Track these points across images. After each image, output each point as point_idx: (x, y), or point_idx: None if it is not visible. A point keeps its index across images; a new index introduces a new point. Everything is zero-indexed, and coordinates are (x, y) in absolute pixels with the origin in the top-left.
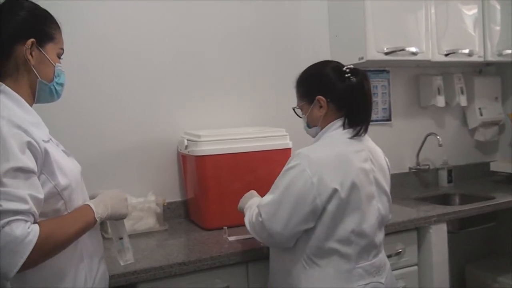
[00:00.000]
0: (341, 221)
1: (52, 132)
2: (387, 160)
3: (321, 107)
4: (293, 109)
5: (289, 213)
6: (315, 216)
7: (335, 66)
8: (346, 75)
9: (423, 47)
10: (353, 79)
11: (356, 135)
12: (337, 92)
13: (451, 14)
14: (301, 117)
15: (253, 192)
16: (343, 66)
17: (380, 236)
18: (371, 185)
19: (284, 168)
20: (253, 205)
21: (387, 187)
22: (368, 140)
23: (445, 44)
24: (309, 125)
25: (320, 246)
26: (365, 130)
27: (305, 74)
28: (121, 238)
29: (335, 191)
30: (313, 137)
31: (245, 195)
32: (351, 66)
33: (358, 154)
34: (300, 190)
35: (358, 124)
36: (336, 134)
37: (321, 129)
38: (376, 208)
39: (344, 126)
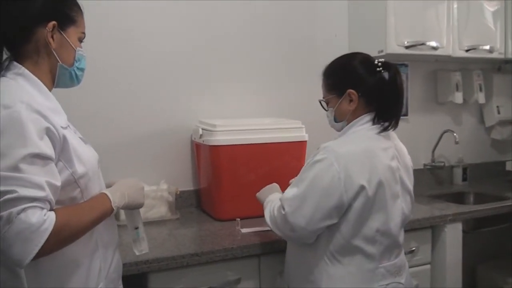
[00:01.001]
0: (367, 219)
1: (68, 119)
2: (410, 159)
3: (351, 101)
4: (320, 102)
5: (314, 207)
6: (339, 212)
7: (365, 59)
8: (378, 69)
9: (444, 42)
10: (385, 73)
11: (384, 130)
12: (368, 87)
13: (473, 9)
14: (326, 110)
15: (276, 185)
16: (374, 59)
17: (402, 236)
18: (397, 184)
19: (310, 161)
20: (275, 199)
21: (411, 186)
22: (395, 138)
23: (466, 40)
24: (336, 119)
25: (345, 244)
26: (395, 126)
27: (334, 67)
28: (136, 228)
29: (362, 188)
30: (338, 131)
31: (267, 186)
32: (382, 59)
33: (385, 151)
34: (327, 184)
35: (388, 119)
36: (363, 130)
37: (347, 123)
38: (401, 207)
39: (373, 121)
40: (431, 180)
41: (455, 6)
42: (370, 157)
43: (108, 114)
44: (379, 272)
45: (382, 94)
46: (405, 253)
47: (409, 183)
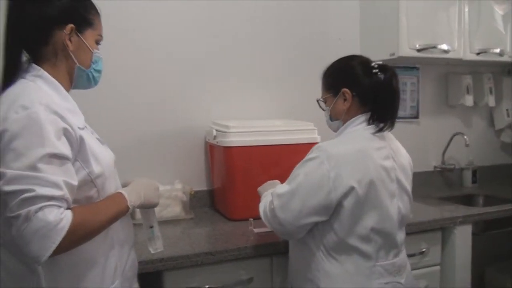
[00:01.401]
0: (360, 218)
1: (85, 120)
2: (410, 159)
3: (345, 100)
4: (317, 101)
5: (301, 203)
6: (328, 210)
7: (363, 61)
8: (374, 71)
9: (455, 45)
10: (381, 75)
11: (380, 131)
12: (363, 87)
13: (484, 13)
14: (324, 110)
15: (277, 182)
16: (372, 61)
17: (401, 236)
18: (392, 183)
19: (303, 160)
20: (270, 193)
21: (408, 186)
22: (391, 139)
23: (477, 43)
24: (331, 118)
25: (340, 242)
26: (390, 127)
27: (332, 67)
28: (151, 227)
29: (352, 188)
30: (334, 131)
31: (268, 182)
32: (380, 62)
33: (379, 151)
34: (316, 182)
35: (383, 120)
36: (358, 130)
37: (343, 123)
38: (397, 206)
39: (368, 121)
40: (441, 182)
41: (466, 9)
42: (362, 157)
43: (125, 116)
44: (376, 270)
45: (377, 96)
46: (415, 254)
47: (407, 183)
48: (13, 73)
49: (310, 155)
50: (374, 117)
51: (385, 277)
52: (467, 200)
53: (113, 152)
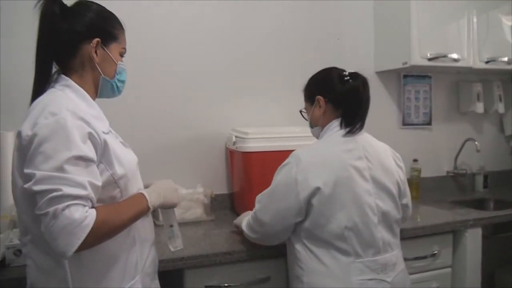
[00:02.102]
0: (332, 216)
1: (111, 125)
2: (398, 160)
3: (320, 106)
4: (300, 112)
5: (276, 206)
6: (300, 211)
7: (336, 71)
8: (346, 78)
9: (465, 54)
10: (352, 82)
11: (349, 133)
12: (335, 93)
13: (492, 24)
14: (306, 119)
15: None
16: (346, 71)
17: (384, 234)
18: (367, 182)
19: (280, 166)
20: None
21: (390, 184)
22: (369, 141)
23: (486, 52)
24: (311, 125)
25: (317, 240)
26: (359, 129)
27: (309, 80)
28: (171, 226)
29: (317, 189)
30: (316, 137)
31: (243, 214)
32: (355, 71)
33: (350, 152)
34: (286, 186)
35: (352, 123)
36: (333, 134)
37: (322, 129)
38: (374, 204)
39: (341, 125)
40: (454, 186)
41: (475, 20)
42: (330, 159)
43: (151, 123)
44: (356, 266)
45: (347, 100)
46: (427, 256)
47: (388, 181)
48: (43, 83)
49: (285, 161)
50: (345, 121)
51: (366, 273)
52: (479, 204)
53: (139, 157)
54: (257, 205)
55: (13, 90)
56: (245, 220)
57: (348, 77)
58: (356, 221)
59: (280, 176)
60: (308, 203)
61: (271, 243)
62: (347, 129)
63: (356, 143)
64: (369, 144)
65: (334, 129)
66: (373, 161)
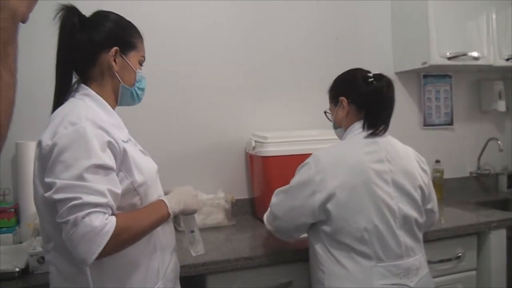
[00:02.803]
0: (351, 219)
1: (133, 133)
2: (423, 164)
3: (343, 108)
4: (325, 113)
5: (290, 203)
6: (314, 213)
7: (361, 73)
8: (370, 80)
9: (485, 52)
10: (376, 83)
11: (372, 135)
12: (358, 94)
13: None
14: (330, 120)
15: None
16: (370, 73)
17: (406, 239)
18: (387, 185)
19: (300, 165)
20: None
21: (412, 188)
22: (390, 143)
23: (506, 49)
24: (335, 126)
25: (339, 243)
26: (383, 131)
27: (334, 81)
28: (192, 231)
29: (333, 194)
30: (340, 138)
31: None
32: (379, 73)
33: (371, 154)
34: (302, 185)
35: (374, 126)
36: (355, 136)
37: (345, 130)
38: (396, 208)
39: (363, 127)
40: (477, 187)
41: (494, 17)
42: (349, 161)
43: (171, 130)
44: (378, 271)
45: (370, 102)
46: (452, 259)
47: (409, 185)
48: (64, 93)
49: (305, 161)
50: (367, 123)
51: (389, 278)
52: (503, 204)
53: (161, 163)
54: (273, 199)
55: (35, 100)
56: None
57: (372, 79)
58: (376, 224)
59: (299, 175)
60: (324, 209)
61: (284, 238)
62: (370, 131)
63: (378, 146)
64: (392, 147)
65: (357, 130)
66: (394, 164)
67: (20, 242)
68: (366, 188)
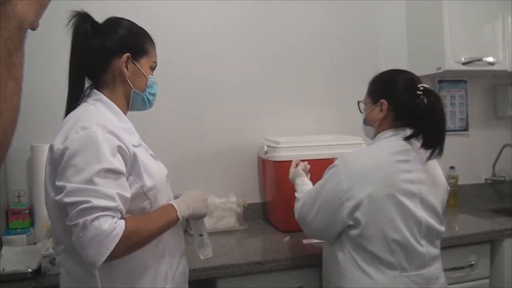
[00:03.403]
0: (379, 228)
1: (145, 137)
2: (445, 181)
3: (381, 110)
4: (358, 102)
5: (317, 207)
6: (342, 217)
7: (409, 79)
8: (418, 92)
9: (500, 57)
10: (425, 98)
11: (429, 158)
12: (400, 103)
13: None
14: (361, 112)
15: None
16: (418, 82)
17: (429, 249)
18: (415, 196)
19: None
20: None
21: (436, 200)
22: (420, 152)
23: None
24: (365, 122)
25: (363, 251)
26: (439, 155)
27: (380, 76)
28: (201, 235)
29: (361, 201)
30: (366, 135)
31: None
32: (426, 85)
33: (401, 164)
34: (331, 190)
35: (432, 146)
36: (386, 142)
37: (377, 132)
38: (423, 219)
39: (423, 147)
40: (492, 194)
41: (510, 20)
42: (380, 170)
43: (184, 134)
44: (402, 280)
45: (419, 118)
46: (464, 267)
47: (434, 196)
48: (77, 98)
49: (333, 163)
50: (423, 142)
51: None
52: None
53: (173, 167)
54: (297, 204)
55: (51, 103)
56: (299, 184)
57: (421, 92)
58: (404, 235)
59: (326, 179)
60: (352, 217)
61: (312, 237)
62: (428, 154)
63: (408, 155)
64: (421, 156)
65: (389, 138)
66: (423, 174)
67: (34, 243)
68: (394, 199)
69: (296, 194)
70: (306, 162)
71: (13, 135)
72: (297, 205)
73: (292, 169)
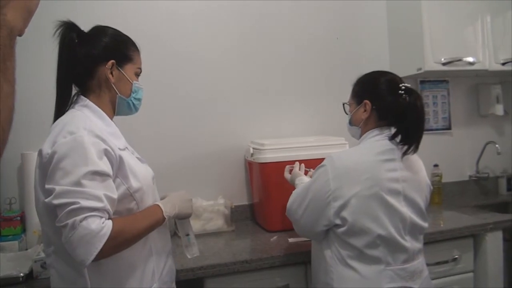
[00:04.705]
0: (365, 226)
1: (134, 141)
2: (428, 180)
3: (365, 110)
4: (343, 104)
5: (305, 205)
6: (329, 216)
7: (391, 79)
8: (400, 92)
9: (480, 56)
10: (407, 97)
11: (405, 154)
12: (384, 103)
13: (508, 24)
14: (347, 113)
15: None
16: (401, 82)
17: (413, 243)
18: (400, 194)
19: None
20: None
21: (419, 197)
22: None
23: (502, 53)
24: (350, 123)
25: (349, 247)
26: (414, 151)
27: (363, 78)
28: (187, 235)
29: (348, 200)
30: (352, 135)
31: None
32: (408, 84)
33: (387, 163)
34: (318, 189)
35: (409, 143)
36: (371, 142)
37: (362, 132)
38: (407, 216)
39: (391, 138)
40: (477, 191)
41: (489, 20)
42: (366, 168)
43: (172, 138)
44: (387, 274)
45: (402, 116)
46: (448, 261)
47: (418, 195)
48: (64, 104)
49: (322, 163)
50: (401, 138)
51: (396, 281)
52: (503, 207)
53: (161, 170)
54: (288, 203)
55: (40, 112)
56: (298, 184)
57: (403, 91)
58: (389, 231)
59: (314, 178)
60: (339, 216)
61: (302, 235)
62: (404, 150)
63: (394, 153)
64: (409, 157)
65: (374, 137)
66: (407, 172)
67: (26, 249)
68: (380, 198)
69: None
70: (298, 163)
71: (9, 133)
72: (288, 202)
73: (286, 175)
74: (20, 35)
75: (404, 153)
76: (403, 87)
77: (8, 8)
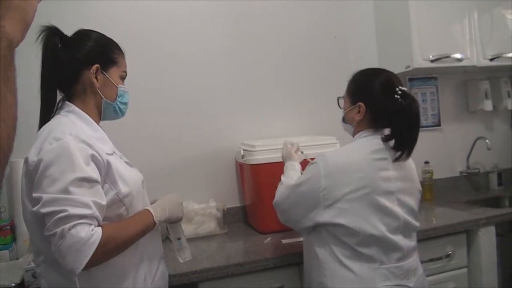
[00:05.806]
0: (356, 225)
1: (123, 145)
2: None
3: (359, 112)
4: (338, 98)
5: (293, 200)
6: (318, 214)
7: (387, 81)
8: (396, 96)
9: (468, 53)
10: (402, 101)
11: (397, 160)
12: (378, 106)
13: (495, 21)
14: (340, 108)
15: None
16: (396, 84)
17: (407, 242)
18: (391, 192)
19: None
20: (287, 176)
21: (411, 196)
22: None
23: (490, 49)
24: (344, 120)
25: (343, 246)
26: (407, 157)
27: (359, 76)
28: (179, 239)
29: (340, 199)
30: (345, 130)
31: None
32: (404, 88)
33: (378, 162)
34: (309, 186)
35: (401, 148)
36: (363, 142)
37: (355, 132)
38: (400, 215)
39: (394, 148)
40: (468, 186)
41: (476, 17)
42: (358, 168)
43: (162, 142)
44: (381, 272)
45: (396, 120)
46: (442, 257)
47: (409, 194)
48: (49, 111)
49: (313, 160)
50: (394, 144)
51: (391, 279)
52: (494, 202)
53: (151, 174)
54: (276, 196)
55: (28, 120)
56: (288, 168)
57: (399, 96)
58: (381, 230)
59: (306, 175)
60: (329, 215)
61: (288, 225)
62: (396, 156)
63: (386, 153)
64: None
65: (366, 137)
66: (400, 172)
67: (17, 258)
68: (373, 197)
69: (282, 177)
70: (293, 142)
71: (14, 141)
72: (277, 190)
73: (283, 150)
74: (16, 46)
75: (397, 159)
76: (399, 92)
77: (6, 20)
